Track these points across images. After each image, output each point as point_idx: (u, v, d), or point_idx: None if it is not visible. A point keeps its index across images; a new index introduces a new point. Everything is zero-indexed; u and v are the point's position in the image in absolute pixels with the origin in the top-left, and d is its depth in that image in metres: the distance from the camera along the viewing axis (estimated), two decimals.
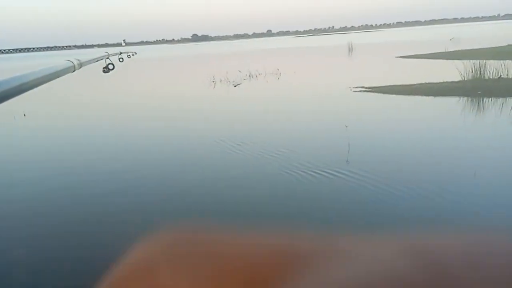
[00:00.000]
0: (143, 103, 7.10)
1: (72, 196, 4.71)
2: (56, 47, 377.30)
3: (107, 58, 1.46)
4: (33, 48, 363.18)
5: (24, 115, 10.22)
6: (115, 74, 1.45)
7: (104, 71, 1.47)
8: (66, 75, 0.94)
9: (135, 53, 2.62)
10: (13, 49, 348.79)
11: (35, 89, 0.82)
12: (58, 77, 0.88)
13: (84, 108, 6.70)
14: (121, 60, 1.68)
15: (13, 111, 9.90)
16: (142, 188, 4.94)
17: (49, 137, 7.67)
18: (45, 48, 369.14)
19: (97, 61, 1.37)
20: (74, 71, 0.98)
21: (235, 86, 11.04)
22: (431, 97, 10.77)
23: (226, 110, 11.29)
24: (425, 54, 24.45)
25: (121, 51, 1.78)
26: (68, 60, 0.98)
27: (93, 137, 7.19)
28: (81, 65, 1.06)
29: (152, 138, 7.38)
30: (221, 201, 4.55)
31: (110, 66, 1.52)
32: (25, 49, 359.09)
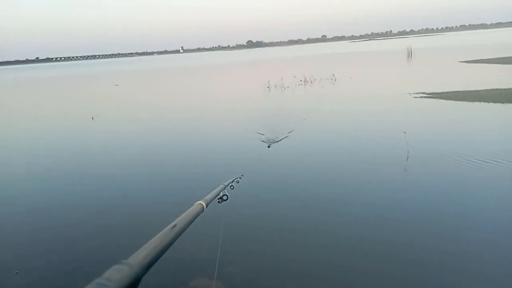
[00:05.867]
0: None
1: None
2: (119, 54, 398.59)
3: (224, 189, 1.61)
4: (100, 55, 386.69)
5: None
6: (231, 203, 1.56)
7: (219, 202, 1.60)
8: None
9: (242, 176, 2.79)
10: (80, 56, 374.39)
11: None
12: (193, 221, 0.95)
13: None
14: (232, 187, 1.89)
15: None
16: None
17: None
18: (109, 55, 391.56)
19: (217, 195, 1.49)
20: (203, 211, 1.07)
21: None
22: (499, 104, 10.07)
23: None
24: (492, 58, 22.97)
25: (233, 179, 2.00)
26: (199, 203, 1.08)
27: None
28: (208, 203, 1.15)
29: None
30: None
31: (224, 197, 1.64)
32: (92, 56, 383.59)
